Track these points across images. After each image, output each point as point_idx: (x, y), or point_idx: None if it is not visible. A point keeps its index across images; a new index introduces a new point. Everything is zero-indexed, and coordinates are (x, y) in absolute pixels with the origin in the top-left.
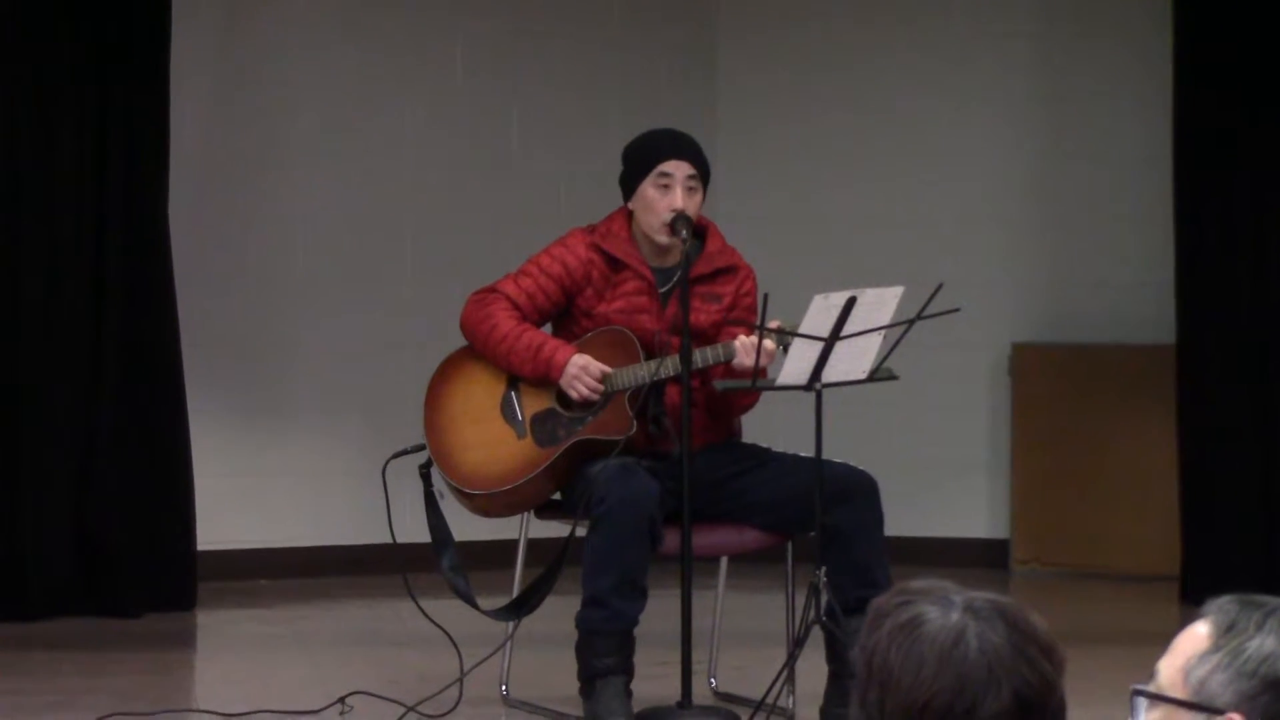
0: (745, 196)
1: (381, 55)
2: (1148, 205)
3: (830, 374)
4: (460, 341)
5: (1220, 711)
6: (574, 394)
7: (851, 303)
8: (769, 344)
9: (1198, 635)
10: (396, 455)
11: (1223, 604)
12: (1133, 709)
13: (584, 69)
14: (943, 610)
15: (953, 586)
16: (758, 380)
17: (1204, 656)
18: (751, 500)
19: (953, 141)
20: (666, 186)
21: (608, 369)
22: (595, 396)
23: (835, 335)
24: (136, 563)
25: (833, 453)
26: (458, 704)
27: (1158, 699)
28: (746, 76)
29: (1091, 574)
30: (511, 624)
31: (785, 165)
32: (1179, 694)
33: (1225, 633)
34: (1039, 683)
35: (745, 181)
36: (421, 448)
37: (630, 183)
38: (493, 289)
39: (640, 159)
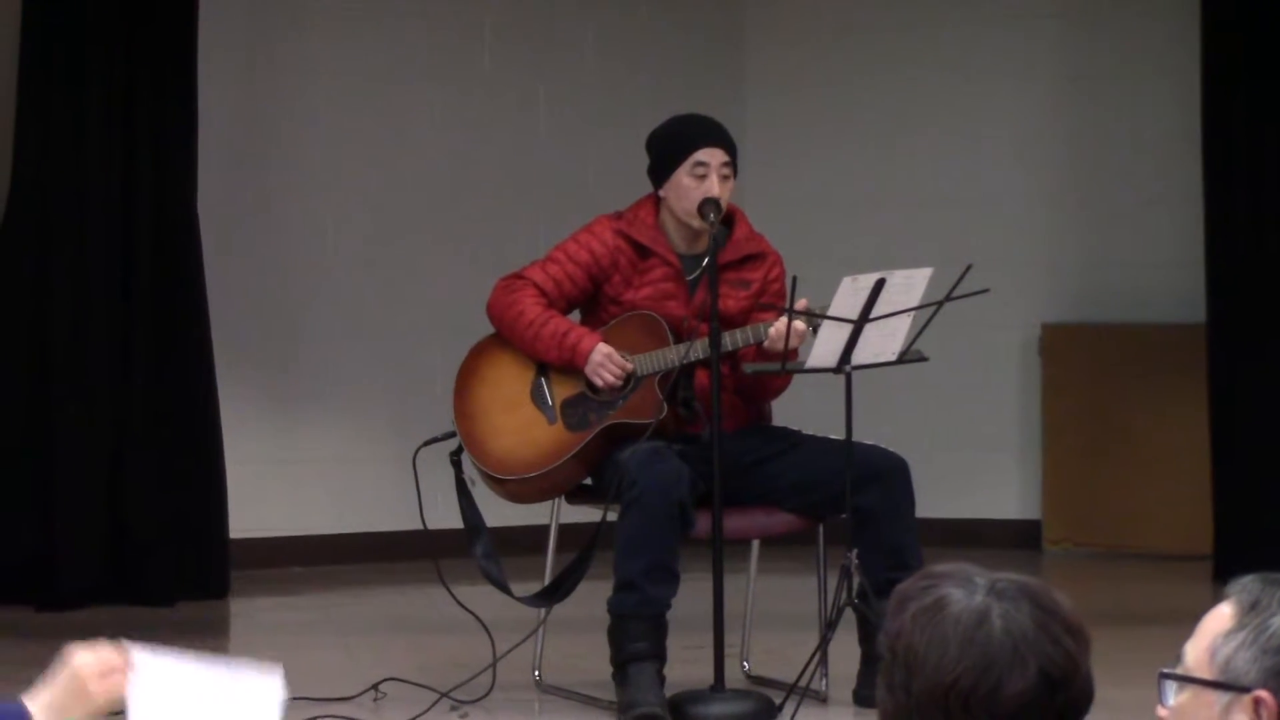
0: (774, 177)
1: (409, 38)
2: (1177, 184)
3: (860, 356)
4: (489, 328)
5: (1247, 689)
6: (599, 382)
7: (880, 284)
8: (799, 324)
9: (1222, 615)
10: (427, 443)
11: (1246, 583)
12: (1161, 693)
13: (611, 50)
14: (967, 592)
15: (976, 569)
16: (787, 363)
17: (1229, 636)
18: (782, 483)
19: (982, 121)
20: (703, 176)
21: (629, 365)
22: (619, 384)
23: (864, 317)
24: (169, 551)
25: (863, 435)
26: (491, 690)
27: (1185, 681)
28: (774, 57)
29: (1124, 554)
30: (544, 610)
31: (813, 146)
32: (1205, 674)
33: (1249, 611)
34: (1064, 661)
35: (774, 162)
36: (452, 434)
37: (663, 170)
38: (520, 275)
39: (675, 146)
